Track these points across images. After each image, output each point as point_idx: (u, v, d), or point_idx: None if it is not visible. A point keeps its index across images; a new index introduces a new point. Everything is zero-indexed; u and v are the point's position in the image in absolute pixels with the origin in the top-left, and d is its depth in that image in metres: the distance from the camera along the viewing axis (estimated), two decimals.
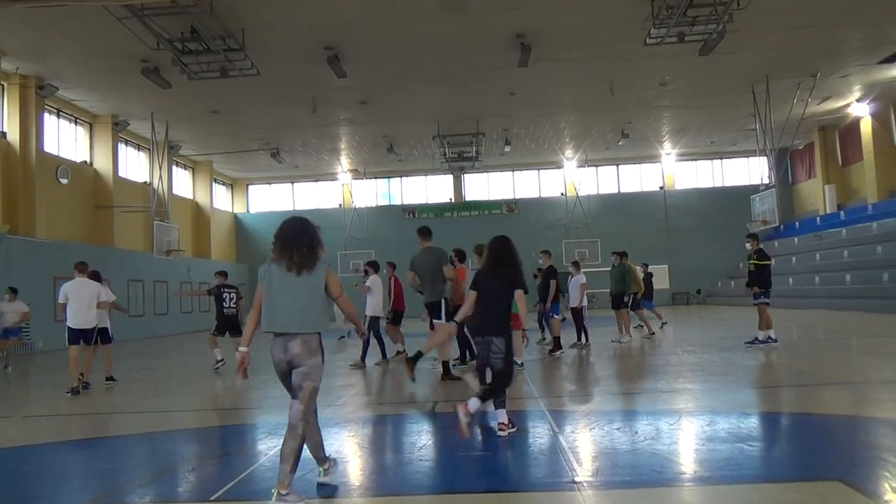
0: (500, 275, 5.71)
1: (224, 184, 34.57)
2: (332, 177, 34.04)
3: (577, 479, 4.23)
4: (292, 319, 3.92)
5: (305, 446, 4.12)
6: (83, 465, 5.54)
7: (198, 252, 30.18)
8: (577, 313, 12.52)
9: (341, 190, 34.76)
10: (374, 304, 11.52)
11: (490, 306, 5.68)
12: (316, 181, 35.05)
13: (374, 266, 11.98)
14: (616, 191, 34.79)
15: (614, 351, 12.40)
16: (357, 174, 33.21)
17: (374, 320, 11.39)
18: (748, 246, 11.83)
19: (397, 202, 35.29)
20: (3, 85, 17.98)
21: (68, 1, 11.97)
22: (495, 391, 5.52)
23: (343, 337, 17.17)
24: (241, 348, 4.15)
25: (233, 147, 27.53)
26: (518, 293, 5.79)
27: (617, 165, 34.50)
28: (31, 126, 18.87)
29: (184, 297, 25.03)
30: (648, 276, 17.05)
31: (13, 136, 18.63)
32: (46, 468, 5.42)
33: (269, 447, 5.52)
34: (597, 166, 34.03)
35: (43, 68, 18.37)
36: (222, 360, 11.56)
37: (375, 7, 14.93)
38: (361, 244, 32.02)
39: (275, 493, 3.80)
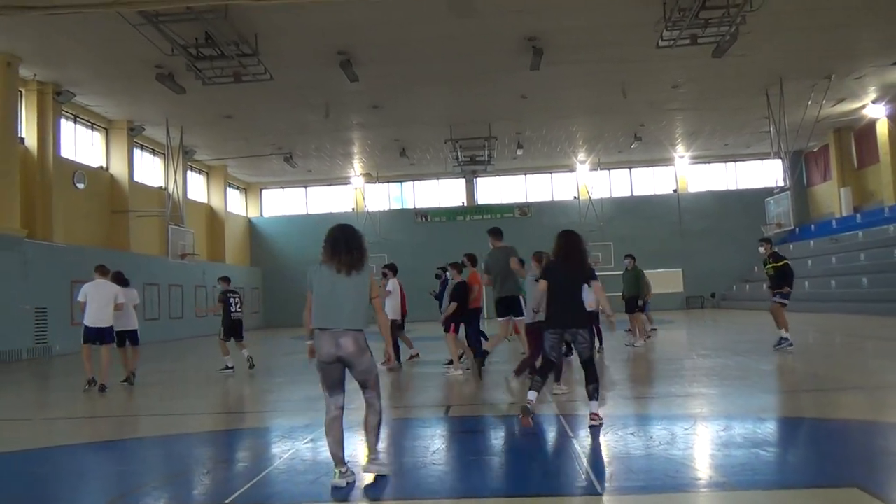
0: (574, 267, 5.98)
1: (238, 188, 34.80)
2: (345, 181, 34.17)
3: (591, 483, 4.22)
4: (343, 317, 4.31)
5: (325, 443, 4.43)
6: (99, 468, 5.60)
7: (212, 256, 30.40)
8: (593, 318, 12.45)
9: (354, 194, 34.89)
10: (393, 306, 11.51)
11: (569, 299, 5.93)
12: (329, 185, 35.20)
13: (392, 269, 11.98)
14: (629, 194, 34.66)
15: (628, 354, 12.34)
16: (370, 178, 33.32)
17: (392, 323, 11.43)
18: (762, 250, 11.75)
19: (410, 206, 35.36)
20: (21, 91, 18.20)
21: (84, 8, 12.11)
22: (595, 385, 5.89)
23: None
24: (307, 342, 4.54)
25: (246, 152, 27.71)
26: (595, 284, 6.06)
27: (629, 168, 34.38)
28: (48, 132, 19.10)
29: (210, 312, 24.78)
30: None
31: (31, 141, 18.86)
32: (63, 470, 5.48)
33: (283, 451, 5.56)
34: (609, 169, 33.94)
35: (60, 75, 18.59)
36: (233, 367, 11.65)
37: (387, 11, 14.99)
38: (374, 248, 32.02)
39: (367, 458, 4.56)
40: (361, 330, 4.38)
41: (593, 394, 5.87)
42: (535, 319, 7.59)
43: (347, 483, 4.30)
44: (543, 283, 6.03)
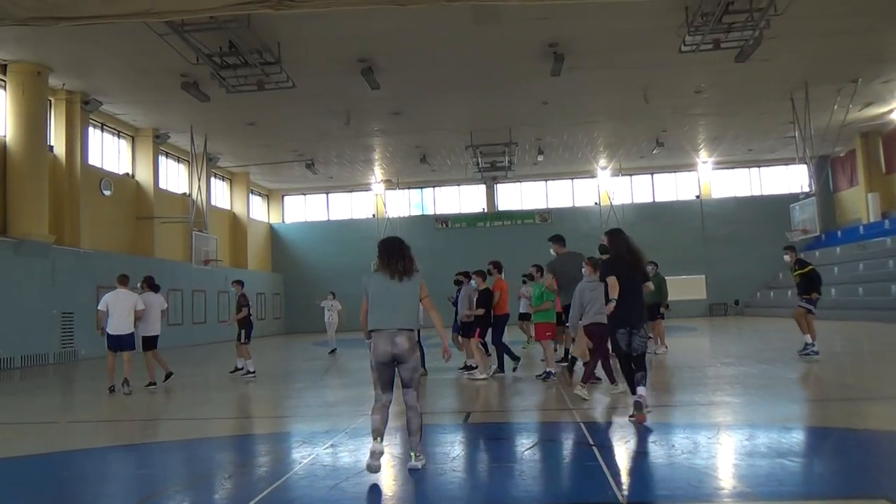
0: (636, 265, 6.32)
1: (260, 195, 35.14)
2: (365, 187, 34.36)
3: (613, 492, 4.18)
4: (397, 318, 4.82)
5: (370, 420, 4.88)
6: (123, 471, 5.67)
7: (235, 262, 30.70)
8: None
9: (375, 200, 35.06)
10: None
11: (637, 295, 6.22)
12: (350, 192, 35.41)
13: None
14: (651, 200, 34.39)
15: (650, 362, 12.22)
16: (390, 185, 33.45)
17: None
18: (787, 258, 11.58)
19: (430, 212, 35.42)
20: (50, 101, 18.59)
21: (112, 19, 12.30)
22: (644, 372, 6.29)
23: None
24: (367, 341, 4.98)
25: (269, 158, 28.00)
26: (647, 285, 6.48)
27: (651, 174, 34.13)
28: (76, 140, 19.47)
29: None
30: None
31: (59, 149, 19.23)
32: (88, 473, 5.56)
33: (303, 456, 5.57)
34: (631, 175, 33.72)
35: (87, 84, 18.96)
36: (254, 372, 11.76)
37: (408, 19, 15.06)
38: None
39: (413, 456, 4.84)
40: (413, 329, 4.86)
41: (641, 380, 6.23)
42: (594, 320, 7.84)
43: (380, 454, 4.74)
44: (615, 280, 6.14)
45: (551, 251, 10.35)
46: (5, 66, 17.14)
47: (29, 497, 4.69)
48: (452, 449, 5.84)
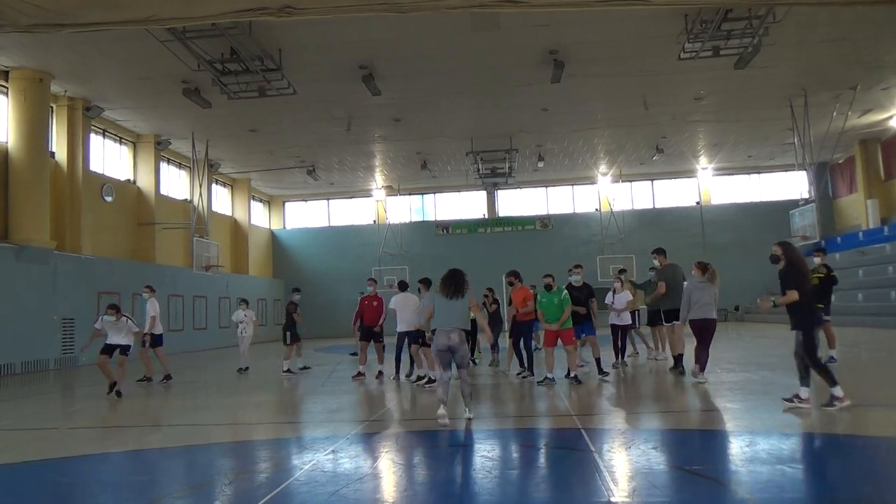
0: (807, 275, 7.30)
1: (261, 201, 35.20)
2: (366, 193, 34.41)
3: (613, 499, 4.19)
4: (453, 320, 7.08)
5: (436, 392, 7.14)
6: (123, 478, 5.67)
7: (236, 268, 30.73)
8: (623, 331, 12.38)
9: (376, 206, 35.10)
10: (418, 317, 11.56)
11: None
12: (351, 198, 35.46)
13: (426, 283, 11.76)
14: (651, 206, 34.43)
15: (650, 368, 12.23)
16: (391, 191, 33.51)
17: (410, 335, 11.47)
18: (817, 260, 11.68)
19: (431, 218, 35.47)
20: (52, 107, 18.64)
21: (114, 25, 12.36)
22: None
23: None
24: (428, 334, 7.61)
25: (270, 165, 28.06)
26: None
27: (651, 181, 34.18)
28: (78, 146, 19.52)
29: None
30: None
31: (61, 155, 19.28)
32: (88, 480, 5.57)
33: (304, 462, 5.58)
34: (631, 181, 33.78)
35: (89, 90, 19.03)
36: (297, 370, 13.57)
37: (408, 25, 15.14)
38: (395, 260, 32.22)
39: (466, 411, 7.09)
40: (462, 329, 7.09)
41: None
42: (699, 315, 9.48)
43: (444, 416, 6.77)
44: (807, 286, 7.16)
45: (654, 261, 11.92)
46: (7, 72, 17.20)
47: (33, 500, 4.69)
48: (457, 456, 5.83)
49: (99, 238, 20.72)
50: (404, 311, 11.33)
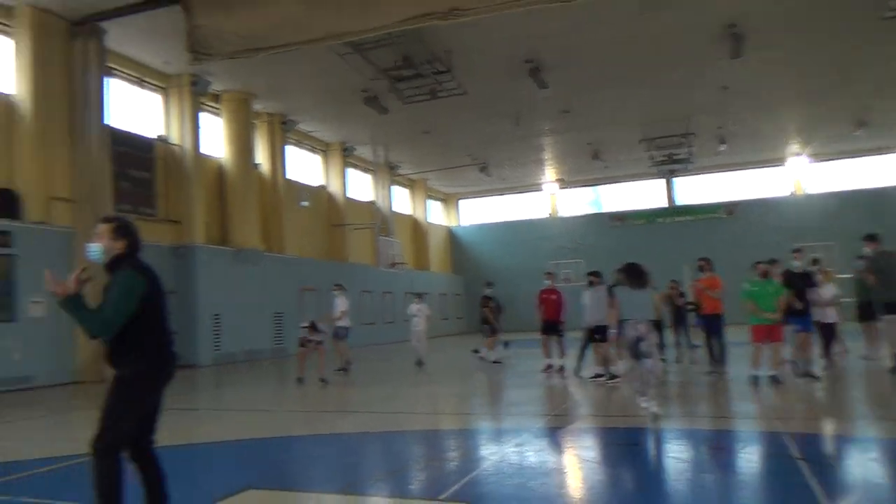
0: None
1: (438, 199, 36.58)
2: (538, 187, 34.44)
3: None
4: (640, 313, 7.24)
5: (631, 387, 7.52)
6: (328, 457, 6.20)
7: (418, 264, 32.20)
8: (829, 329, 10.84)
9: (549, 200, 35.02)
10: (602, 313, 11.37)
11: None
12: (523, 192, 35.65)
13: (597, 276, 11.59)
14: (854, 187, 30.68)
15: (862, 369, 11.01)
16: (563, 183, 33.22)
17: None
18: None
19: (606, 209, 34.62)
20: (254, 123, 20.86)
21: (300, 45, 13.60)
22: None
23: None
24: (612, 330, 7.83)
25: (444, 164, 29.05)
26: None
27: (854, 158, 30.49)
28: (277, 157, 21.68)
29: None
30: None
31: (264, 167, 21.53)
32: (301, 456, 6.22)
33: (490, 453, 5.78)
34: (829, 160, 30.44)
35: (285, 106, 21.08)
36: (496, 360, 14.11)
37: (573, 14, 14.83)
38: (569, 254, 31.88)
39: (652, 404, 6.95)
40: (650, 320, 7.34)
41: None
42: None
43: (655, 406, 6.82)
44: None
45: (865, 249, 10.57)
46: (219, 95, 19.54)
47: (248, 474, 5.35)
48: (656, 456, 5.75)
49: (298, 240, 22.81)
50: (591, 305, 10.95)
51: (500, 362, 14.05)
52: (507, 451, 5.79)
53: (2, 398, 11.36)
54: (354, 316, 14.08)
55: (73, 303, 3.39)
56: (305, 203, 23.68)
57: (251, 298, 19.17)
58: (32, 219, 13.52)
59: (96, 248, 3.60)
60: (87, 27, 14.41)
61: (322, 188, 25.66)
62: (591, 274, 11.35)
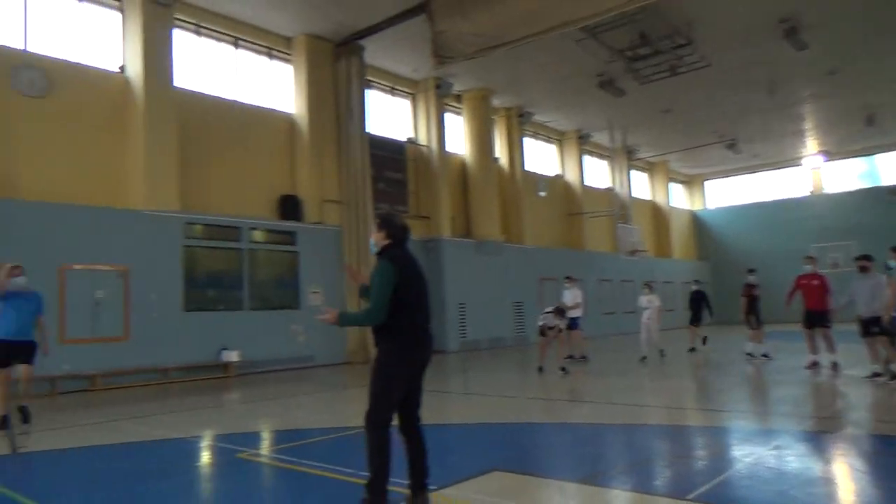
0: None
1: (680, 182, 34.66)
2: (796, 162, 30.86)
3: None
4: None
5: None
6: (572, 446, 6.30)
7: (658, 251, 30.88)
8: None
9: (810, 175, 31.23)
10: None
11: None
12: (778, 169, 32.22)
13: (869, 259, 10.11)
14: None
15: None
16: (830, 155, 29.37)
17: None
18: None
19: (882, 182, 29.85)
20: (493, 119, 21.68)
21: (534, 36, 13.80)
22: None
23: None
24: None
25: (687, 144, 27.42)
26: None
27: None
28: (515, 150, 22.33)
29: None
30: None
31: (503, 160, 22.31)
32: (545, 443, 6.42)
33: (744, 454, 5.42)
34: None
35: (521, 99, 21.61)
36: (763, 355, 12.95)
37: None
38: (835, 235, 28.11)
39: None
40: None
41: None
42: None
43: None
44: None
45: None
46: (459, 95, 20.65)
47: (500, 455, 5.66)
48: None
49: (536, 230, 23.28)
50: (865, 294, 9.50)
51: (767, 356, 12.88)
52: (764, 454, 5.36)
53: (292, 374, 13.42)
54: (593, 305, 13.98)
55: (343, 319, 4.15)
56: (543, 193, 24.03)
57: (493, 288, 20.05)
58: (310, 220, 15.71)
59: (371, 242, 4.25)
60: (348, 47, 16.28)
61: (559, 177, 25.82)
62: (861, 258, 9.84)
